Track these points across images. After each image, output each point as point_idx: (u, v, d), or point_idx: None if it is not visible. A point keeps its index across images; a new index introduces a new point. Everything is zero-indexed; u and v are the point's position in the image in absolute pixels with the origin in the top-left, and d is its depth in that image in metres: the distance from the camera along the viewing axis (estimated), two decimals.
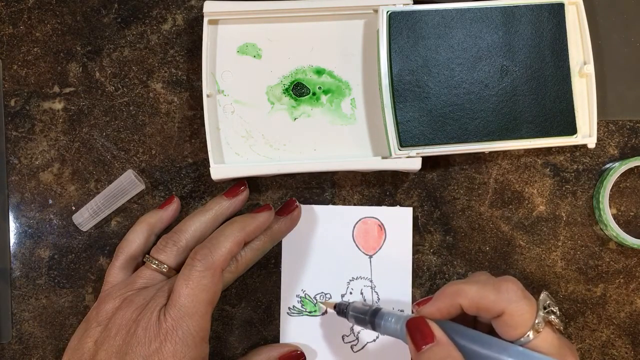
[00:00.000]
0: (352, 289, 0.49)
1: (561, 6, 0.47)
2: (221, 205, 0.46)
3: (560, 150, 0.49)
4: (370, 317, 0.43)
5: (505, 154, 0.49)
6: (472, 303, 0.38)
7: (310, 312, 0.49)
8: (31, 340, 0.48)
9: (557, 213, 0.49)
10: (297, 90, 0.48)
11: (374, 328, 0.43)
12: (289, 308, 0.49)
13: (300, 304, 0.49)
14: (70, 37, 0.50)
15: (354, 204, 0.49)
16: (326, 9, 0.47)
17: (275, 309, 0.49)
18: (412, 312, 0.40)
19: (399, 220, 0.49)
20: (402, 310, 0.48)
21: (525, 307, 0.37)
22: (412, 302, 0.49)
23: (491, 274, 0.41)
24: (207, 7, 0.46)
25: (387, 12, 0.46)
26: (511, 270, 0.49)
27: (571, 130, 0.47)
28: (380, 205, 0.49)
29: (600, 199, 0.48)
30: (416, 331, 0.38)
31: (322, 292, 0.49)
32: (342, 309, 0.46)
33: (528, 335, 0.36)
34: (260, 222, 0.44)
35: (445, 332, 0.38)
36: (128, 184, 0.48)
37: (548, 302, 0.38)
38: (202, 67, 0.46)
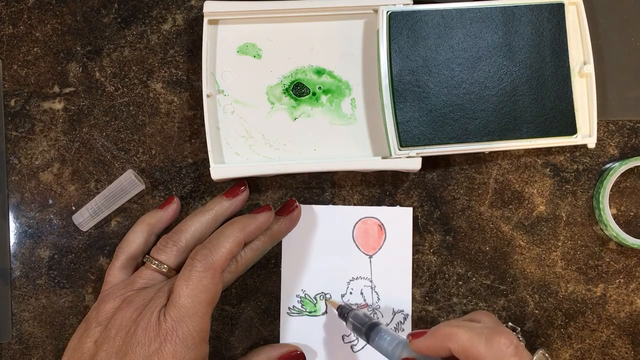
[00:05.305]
0: (352, 289, 0.49)
1: (561, 6, 0.46)
2: (221, 206, 0.46)
3: (560, 150, 0.49)
4: (367, 329, 0.43)
5: (505, 154, 0.49)
6: (461, 350, 0.37)
7: (310, 312, 0.49)
8: (31, 340, 0.49)
9: (557, 213, 0.49)
10: (297, 90, 0.48)
11: (367, 340, 0.43)
12: (289, 308, 0.49)
13: (300, 304, 0.49)
14: (70, 37, 0.49)
15: (354, 204, 0.49)
16: (326, 9, 0.47)
17: (275, 309, 0.49)
18: (407, 338, 0.40)
19: (399, 220, 0.49)
20: (401, 311, 0.49)
21: None
22: (412, 301, 0.49)
23: (496, 318, 0.40)
24: (207, 7, 0.46)
25: (387, 12, 0.46)
26: (511, 270, 0.49)
27: (571, 130, 0.47)
28: (380, 205, 0.49)
29: (600, 199, 0.48)
30: None
31: (322, 292, 0.49)
32: (343, 313, 0.46)
33: None
34: (260, 223, 0.44)
35: None
36: (128, 184, 0.47)
37: None
38: (202, 67, 0.46)
